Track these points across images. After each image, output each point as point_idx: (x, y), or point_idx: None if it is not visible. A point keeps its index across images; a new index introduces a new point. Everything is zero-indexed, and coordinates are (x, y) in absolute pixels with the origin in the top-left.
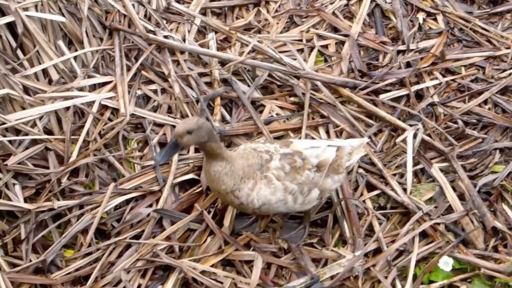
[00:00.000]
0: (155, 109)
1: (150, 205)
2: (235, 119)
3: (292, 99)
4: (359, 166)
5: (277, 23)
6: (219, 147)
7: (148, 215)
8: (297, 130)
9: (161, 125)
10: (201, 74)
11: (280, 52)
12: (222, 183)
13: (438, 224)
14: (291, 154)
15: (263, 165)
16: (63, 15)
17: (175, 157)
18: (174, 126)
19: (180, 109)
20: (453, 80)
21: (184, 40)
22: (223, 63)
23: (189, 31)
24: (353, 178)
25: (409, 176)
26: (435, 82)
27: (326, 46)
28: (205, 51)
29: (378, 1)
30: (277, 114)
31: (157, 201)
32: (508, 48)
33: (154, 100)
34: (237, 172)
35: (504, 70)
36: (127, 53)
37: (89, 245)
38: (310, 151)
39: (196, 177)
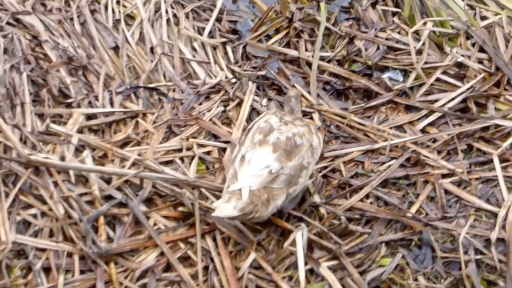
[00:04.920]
0: (36, 234)
1: None
2: (122, 236)
3: (180, 209)
4: (249, 273)
5: (156, 134)
6: None
7: None
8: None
9: (43, 250)
10: (82, 194)
11: (161, 162)
12: None
13: None
14: None
15: None
16: None
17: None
18: (56, 251)
19: (65, 231)
20: (332, 178)
21: (63, 160)
22: (105, 179)
23: (67, 151)
24: (243, 285)
25: (302, 275)
26: None
27: (208, 153)
28: (88, 168)
29: (255, 105)
30: (164, 225)
31: None
32: (385, 140)
33: (35, 225)
34: None
35: (383, 163)
36: (4, 180)
37: None
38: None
39: None
